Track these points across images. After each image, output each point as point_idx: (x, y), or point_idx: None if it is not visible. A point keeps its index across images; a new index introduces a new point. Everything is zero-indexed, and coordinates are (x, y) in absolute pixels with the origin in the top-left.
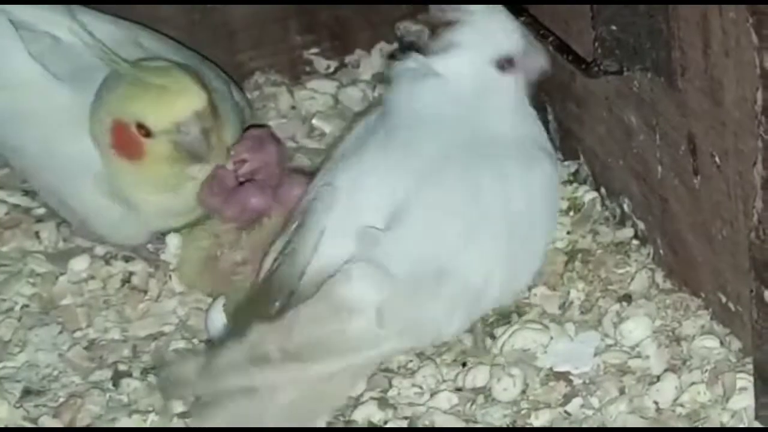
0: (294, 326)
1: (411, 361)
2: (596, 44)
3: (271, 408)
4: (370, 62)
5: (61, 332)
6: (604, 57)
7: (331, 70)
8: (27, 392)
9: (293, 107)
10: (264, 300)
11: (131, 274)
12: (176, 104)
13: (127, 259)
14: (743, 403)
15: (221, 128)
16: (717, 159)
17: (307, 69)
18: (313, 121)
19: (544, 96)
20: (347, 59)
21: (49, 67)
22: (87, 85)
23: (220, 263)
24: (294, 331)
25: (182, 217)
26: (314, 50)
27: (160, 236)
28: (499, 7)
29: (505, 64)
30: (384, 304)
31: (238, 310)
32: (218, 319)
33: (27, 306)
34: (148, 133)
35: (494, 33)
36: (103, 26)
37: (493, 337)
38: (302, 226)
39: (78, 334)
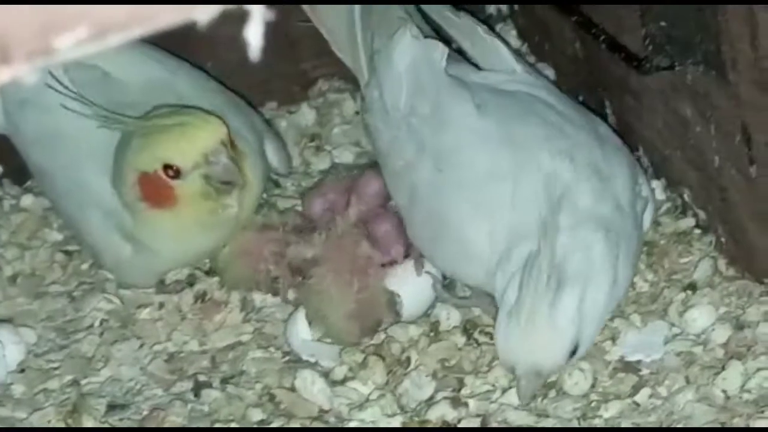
0: None
1: (481, 357)
2: (647, 41)
3: None
4: None
5: (141, 346)
6: (656, 53)
7: None
8: (112, 407)
9: (357, 112)
10: None
11: (205, 292)
12: (200, 136)
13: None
14: None
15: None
16: None
17: None
18: None
19: (601, 91)
20: None
21: (87, 97)
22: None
23: (288, 257)
24: None
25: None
26: None
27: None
28: None
29: None
30: None
31: None
32: (301, 330)
33: (106, 321)
34: (177, 174)
35: None
36: (142, 66)
37: None
38: None
39: (157, 347)
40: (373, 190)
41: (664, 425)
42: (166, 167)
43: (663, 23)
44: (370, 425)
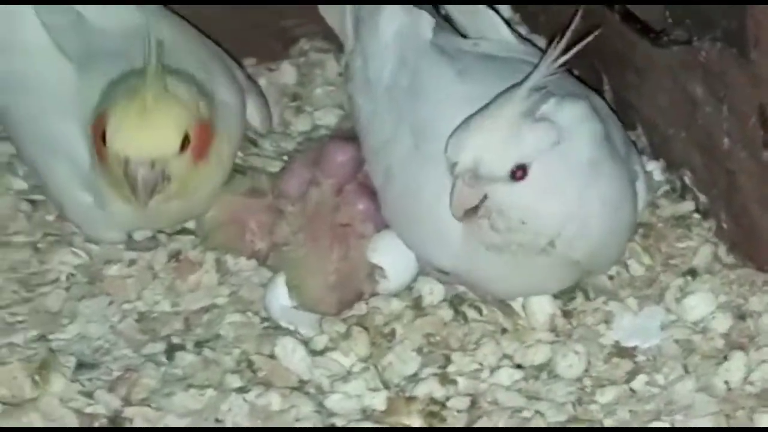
0: None
1: (468, 335)
2: (667, 13)
3: None
4: None
5: (110, 304)
6: (674, 26)
7: None
8: (81, 365)
9: (340, 74)
10: None
11: (179, 251)
12: (134, 140)
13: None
14: None
15: (221, 145)
16: None
17: None
18: None
19: (599, 65)
20: None
21: (59, 41)
22: (92, 69)
23: (274, 236)
24: None
25: (160, 224)
26: None
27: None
28: None
29: None
30: None
31: None
32: (281, 296)
33: (73, 275)
34: (104, 139)
35: None
36: (121, 12)
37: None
38: None
39: (127, 306)
40: (339, 160)
41: (663, 414)
42: (98, 125)
43: None
44: (354, 399)
